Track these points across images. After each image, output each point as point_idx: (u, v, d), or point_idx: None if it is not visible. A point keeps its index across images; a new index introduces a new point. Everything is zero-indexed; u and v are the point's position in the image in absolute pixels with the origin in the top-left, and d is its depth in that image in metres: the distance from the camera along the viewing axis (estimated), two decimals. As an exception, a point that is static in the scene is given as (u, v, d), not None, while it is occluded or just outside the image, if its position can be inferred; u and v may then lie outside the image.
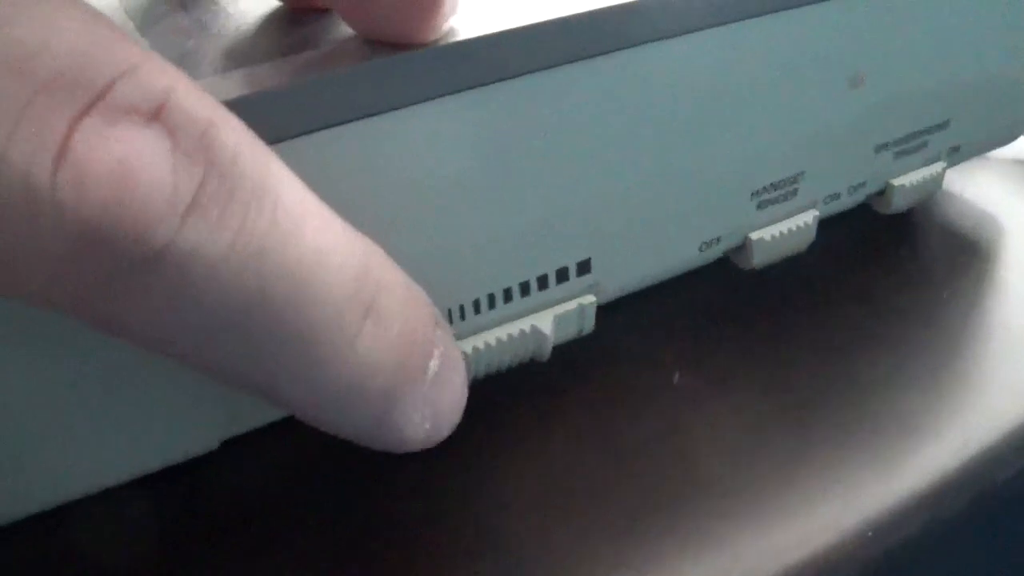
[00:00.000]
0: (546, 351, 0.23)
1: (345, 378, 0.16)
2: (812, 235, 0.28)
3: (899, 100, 0.28)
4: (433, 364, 0.17)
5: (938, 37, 0.28)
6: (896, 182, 0.29)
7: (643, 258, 0.25)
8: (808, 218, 0.28)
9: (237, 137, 0.14)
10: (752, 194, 0.27)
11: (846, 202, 0.29)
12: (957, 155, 0.31)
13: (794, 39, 0.25)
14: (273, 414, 0.21)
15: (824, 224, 0.28)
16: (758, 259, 0.28)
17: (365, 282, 0.16)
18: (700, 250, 0.26)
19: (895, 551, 0.20)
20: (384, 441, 0.17)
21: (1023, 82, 0.31)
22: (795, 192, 0.28)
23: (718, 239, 0.27)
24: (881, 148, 0.29)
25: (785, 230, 0.28)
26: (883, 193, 0.30)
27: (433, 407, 0.18)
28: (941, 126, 0.30)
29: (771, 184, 0.27)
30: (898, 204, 0.30)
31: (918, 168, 0.30)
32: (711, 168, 0.25)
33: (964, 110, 0.30)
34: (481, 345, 0.22)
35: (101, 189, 0.12)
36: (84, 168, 0.12)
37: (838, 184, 0.28)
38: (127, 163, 0.13)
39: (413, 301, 0.17)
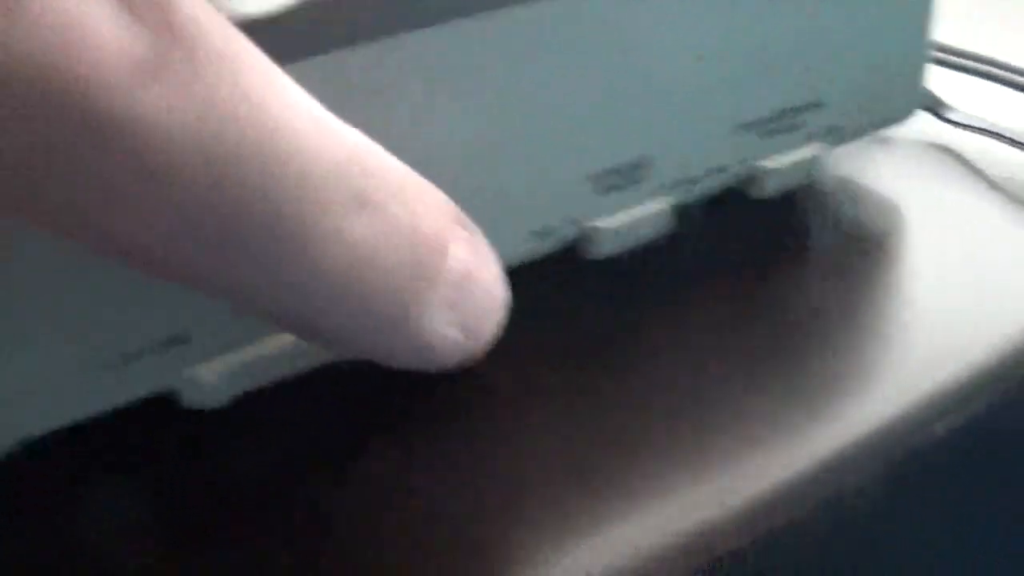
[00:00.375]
0: None
1: (340, 274, 0.15)
2: (668, 224, 0.26)
3: (757, 75, 0.25)
4: (454, 262, 0.16)
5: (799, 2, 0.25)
6: (766, 165, 0.27)
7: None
8: (661, 205, 0.26)
9: (193, 1, 0.13)
10: (589, 178, 0.24)
11: (707, 187, 0.26)
12: (839, 135, 0.28)
13: (627, 4, 0.22)
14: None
15: (694, 211, 0.26)
16: (604, 249, 0.25)
17: (352, 167, 0.15)
18: (532, 239, 0.24)
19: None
20: (410, 355, 0.16)
21: (912, 55, 0.28)
22: (642, 177, 0.25)
23: (552, 227, 0.24)
24: (743, 128, 0.26)
25: (633, 218, 0.25)
26: (753, 177, 0.27)
27: (461, 311, 0.16)
28: (815, 104, 0.27)
29: (611, 168, 0.25)
30: (771, 188, 0.27)
31: (792, 149, 0.27)
32: (539, 148, 0.23)
33: (841, 87, 0.27)
34: None
35: (46, 41, 0.12)
36: (29, 17, 0.11)
37: (693, 168, 0.26)
38: (71, 15, 0.12)
39: (418, 192, 0.16)
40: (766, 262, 0.27)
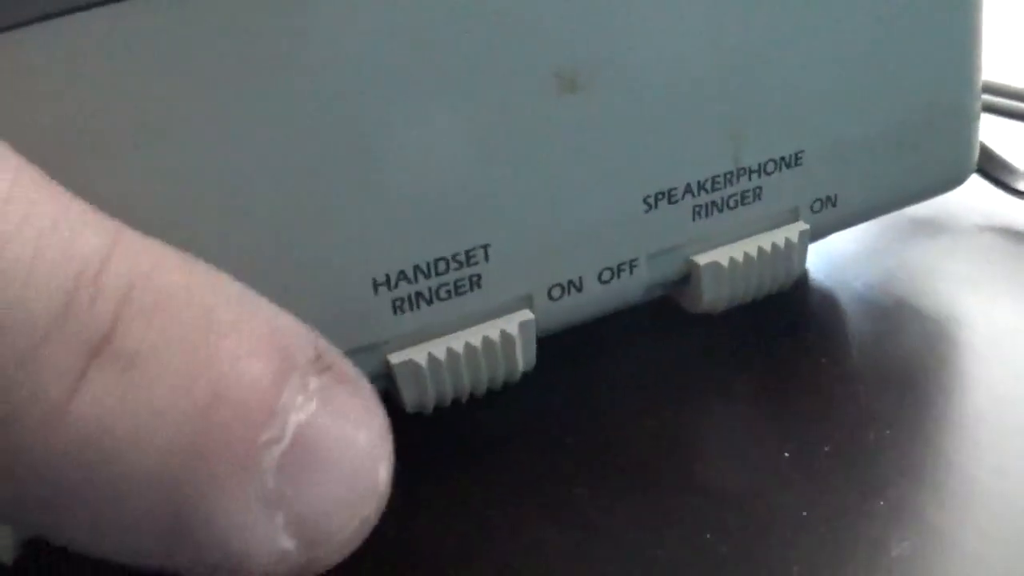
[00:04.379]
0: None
1: (67, 463, 0.10)
2: (530, 360, 0.16)
3: (678, 112, 0.16)
4: (280, 431, 0.11)
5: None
6: (701, 260, 0.17)
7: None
8: (509, 327, 0.16)
9: None
10: (378, 286, 0.15)
11: (596, 299, 0.16)
12: (834, 211, 0.18)
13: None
14: None
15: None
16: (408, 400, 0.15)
17: (103, 286, 0.10)
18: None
19: None
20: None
21: (956, 95, 0.18)
22: (476, 282, 0.15)
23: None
24: (660, 199, 0.16)
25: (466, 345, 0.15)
26: (686, 280, 0.17)
27: (296, 508, 0.11)
28: (786, 161, 0.17)
29: (418, 268, 0.15)
30: (712, 298, 0.17)
31: (751, 233, 0.17)
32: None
33: (833, 133, 0.17)
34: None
35: None
36: None
37: (568, 269, 0.16)
38: None
39: (217, 314, 0.11)
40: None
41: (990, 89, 0.23)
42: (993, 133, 0.23)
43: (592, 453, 0.17)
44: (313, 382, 0.11)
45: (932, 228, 0.22)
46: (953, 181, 0.19)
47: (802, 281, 0.20)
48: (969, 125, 0.19)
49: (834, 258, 0.21)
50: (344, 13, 0.13)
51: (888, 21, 0.17)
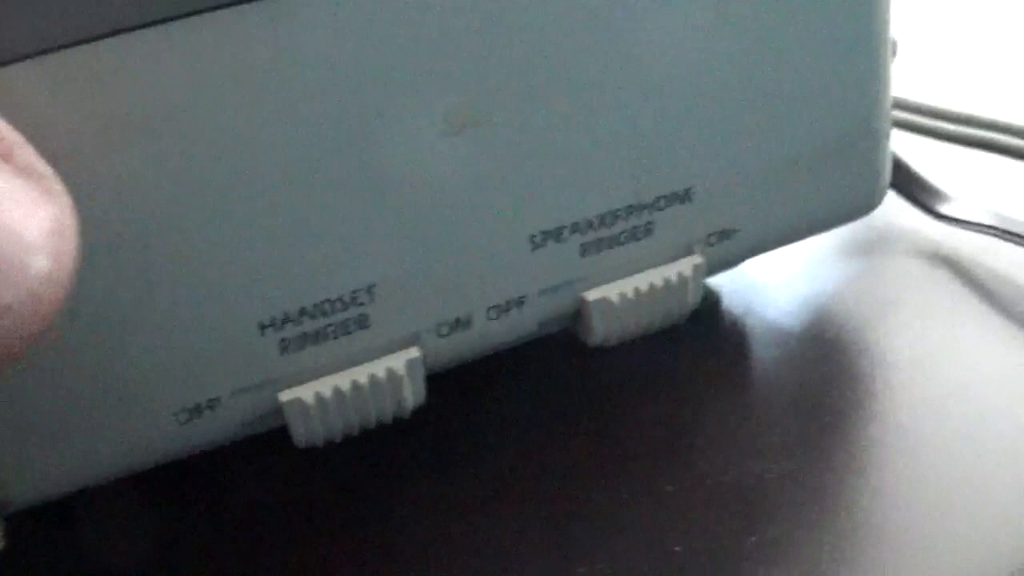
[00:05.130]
0: None
1: None
2: (419, 396, 0.16)
3: (564, 152, 0.16)
4: None
5: (637, 36, 0.15)
6: (591, 296, 0.17)
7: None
8: (396, 365, 0.16)
9: None
10: (264, 328, 0.15)
11: (486, 336, 0.17)
12: (731, 244, 0.18)
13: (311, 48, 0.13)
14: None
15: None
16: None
17: None
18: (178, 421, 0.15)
19: None
20: None
21: (861, 118, 0.18)
22: (363, 322, 0.16)
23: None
24: (547, 238, 0.16)
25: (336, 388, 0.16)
26: (578, 313, 0.17)
27: None
28: (677, 197, 0.17)
29: (304, 310, 0.15)
30: (603, 333, 0.17)
31: (644, 268, 0.17)
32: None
33: (726, 166, 0.17)
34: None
35: None
36: None
37: (456, 307, 0.16)
38: None
39: None
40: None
41: (918, 109, 0.23)
42: (925, 154, 0.23)
43: (487, 485, 0.17)
44: None
45: (853, 251, 0.22)
46: (863, 207, 0.19)
47: (714, 308, 0.20)
48: (877, 150, 0.18)
49: (750, 283, 0.21)
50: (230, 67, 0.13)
51: (783, 49, 0.17)
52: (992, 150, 0.22)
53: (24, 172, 0.12)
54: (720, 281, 0.21)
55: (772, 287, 0.21)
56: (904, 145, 0.23)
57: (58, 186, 0.12)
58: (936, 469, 0.16)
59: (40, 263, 0.11)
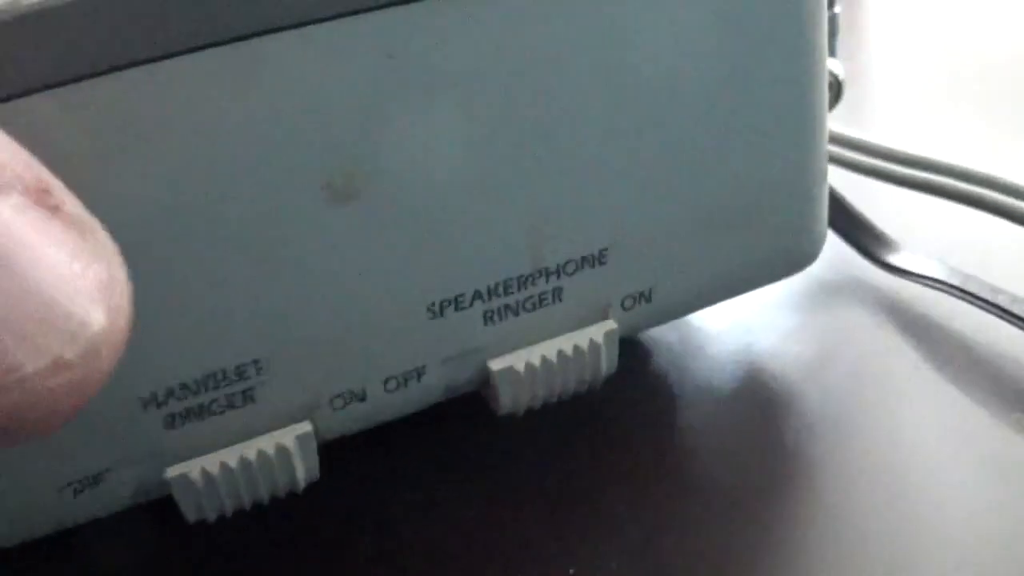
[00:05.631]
0: None
1: None
2: (312, 471, 0.16)
3: (460, 218, 0.15)
4: None
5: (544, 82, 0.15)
6: (496, 365, 0.16)
7: None
8: (285, 440, 0.15)
9: None
10: (146, 404, 0.14)
11: (384, 407, 0.16)
12: (649, 307, 0.17)
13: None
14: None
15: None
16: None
17: None
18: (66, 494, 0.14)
19: None
20: None
21: (791, 163, 0.17)
22: (249, 396, 0.15)
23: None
24: (446, 306, 0.16)
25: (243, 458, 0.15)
26: (486, 381, 0.17)
27: None
28: (588, 260, 0.16)
29: (185, 385, 0.15)
30: (510, 402, 0.17)
31: (556, 334, 0.17)
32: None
33: (641, 226, 0.16)
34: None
35: None
36: None
37: (349, 379, 0.15)
38: None
39: None
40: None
41: (874, 151, 0.22)
42: (879, 199, 0.22)
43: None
44: (16, 199, 0.11)
45: (794, 300, 0.21)
46: (799, 262, 0.18)
47: (642, 362, 0.19)
48: (811, 201, 0.18)
49: (683, 335, 0.20)
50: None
51: (700, 97, 0.16)
52: (948, 197, 0.21)
53: (75, 225, 0.11)
54: (652, 333, 0.20)
55: (706, 340, 0.20)
56: (857, 189, 0.22)
57: (105, 238, 0.11)
58: (860, 549, 0.16)
59: (98, 317, 0.11)
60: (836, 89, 0.21)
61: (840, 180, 0.21)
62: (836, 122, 0.22)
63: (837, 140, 0.22)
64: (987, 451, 0.17)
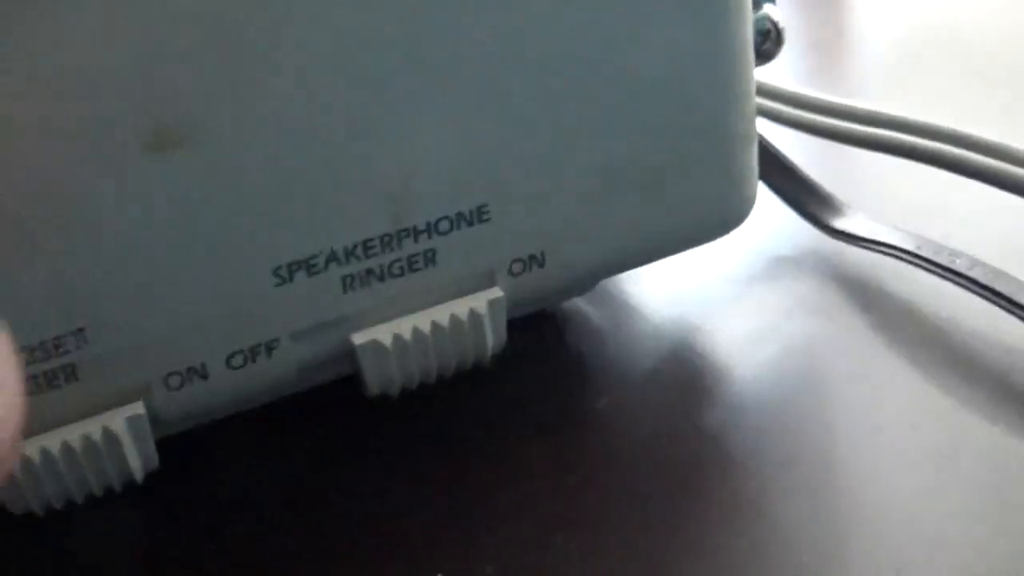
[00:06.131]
0: None
1: None
2: (150, 459, 0.14)
3: (307, 165, 0.13)
4: None
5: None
6: (359, 339, 0.14)
7: None
8: (114, 423, 0.13)
9: None
10: None
11: (230, 388, 0.14)
12: (543, 273, 0.15)
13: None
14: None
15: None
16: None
17: None
18: None
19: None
20: None
21: (707, 114, 0.15)
22: (71, 373, 0.13)
23: None
24: (296, 270, 0.14)
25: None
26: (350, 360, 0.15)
27: None
28: (465, 218, 0.14)
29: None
30: (378, 381, 0.15)
31: (431, 303, 0.15)
32: None
33: (531, 179, 0.14)
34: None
35: None
36: None
37: (187, 354, 0.14)
38: None
39: None
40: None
41: (821, 107, 0.20)
42: (830, 159, 0.20)
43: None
44: None
45: (730, 269, 0.19)
46: (721, 225, 0.16)
47: (552, 338, 0.17)
48: (734, 158, 0.16)
49: (603, 305, 0.18)
50: None
51: (600, 38, 0.14)
52: (902, 154, 0.18)
53: None
54: (567, 305, 0.18)
55: (627, 311, 0.18)
56: (805, 149, 0.20)
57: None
58: (782, 555, 0.14)
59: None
60: (775, 37, 0.19)
61: (784, 139, 0.19)
62: (782, 75, 0.20)
63: (776, 95, 0.19)
64: (936, 442, 0.15)
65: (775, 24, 0.19)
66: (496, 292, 0.15)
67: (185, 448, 0.15)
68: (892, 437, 0.15)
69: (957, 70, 0.25)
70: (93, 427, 0.13)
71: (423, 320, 0.14)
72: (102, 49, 0.12)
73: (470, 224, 0.14)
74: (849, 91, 0.23)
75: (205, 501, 0.15)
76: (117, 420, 0.13)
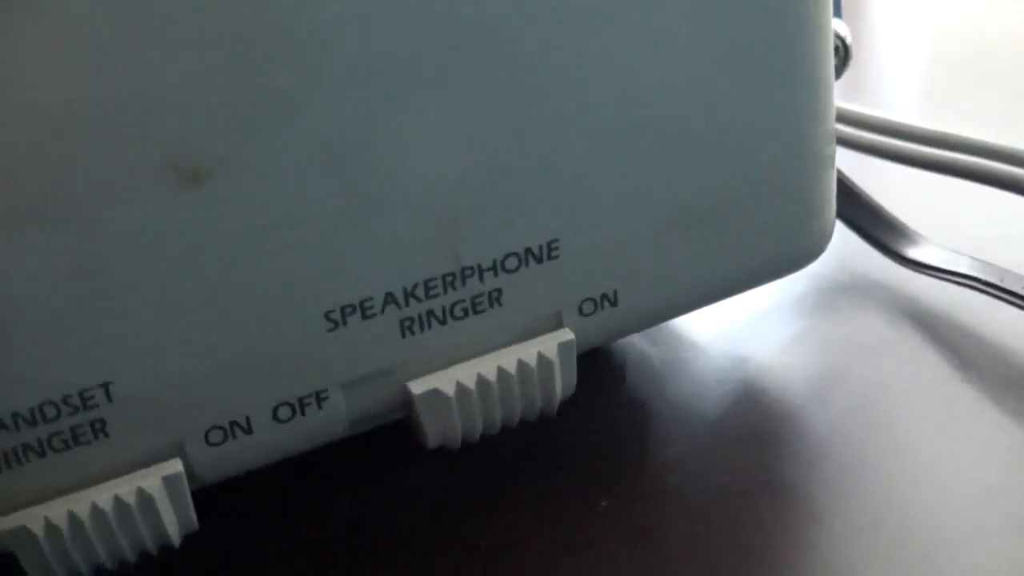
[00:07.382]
0: None
1: None
2: (187, 521, 0.13)
3: (362, 201, 0.12)
4: None
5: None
6: (417, 388, 0.13)
7: None
8: (148, 483, 0.12)
9: None
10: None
11: (275, 441, 0.13)
12: (615, 312, 0.14)
13: None
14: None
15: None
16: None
17: None
18: None
19: None
20: None
21: (786, 141, 0.14)
22: (100, 429, 0.12)
23: None
24: (350, 314, 0.12)
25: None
26: (409, 409, 0.13)
27: None
28: (534, 255, 0.13)
29: (18, 415, 0.11)
30: (437, 433, 0.13)
31: (496, 348, 0.13)
32: None
33: (604, 212, 0.13)
34: None
35: None
36: None
37: (229, 408, 0.12)
38: None
39: None
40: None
41: (890, 130, 0.18)
42: (897, 183, 0.19)
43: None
44: None
45: (798, 304, 0.17)
46: (800, 258, 0.15)
47: (611, 382, 0.16)
48: (812, 187, 0.14)
49: (664, 347, 0.17)
50: None
51: (675, 68, 0.13)
52: (981, 180, 0.17)
53: None
54: (625, 345, 0.17)
55: (691, 353, 0.17)
56: (871, 175, 0.19)
57: None
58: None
59: None
60: (843, 54, 0.18)
61: (851, 164, 0.18)
62: (842, 96, 0.19)
63: (845, 118, 0.18)
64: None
65: (843, 40, 0.18)
66: (566, 334, 0.13)
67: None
68: (984, 496, 0.14)
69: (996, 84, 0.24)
70: (126, 488, 0.12)
71: (488, 366, 0.13)
72: (126, 80, 0.11)
73: (539, 261, 0.13)
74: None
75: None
76: (152, 479, 0.12)
